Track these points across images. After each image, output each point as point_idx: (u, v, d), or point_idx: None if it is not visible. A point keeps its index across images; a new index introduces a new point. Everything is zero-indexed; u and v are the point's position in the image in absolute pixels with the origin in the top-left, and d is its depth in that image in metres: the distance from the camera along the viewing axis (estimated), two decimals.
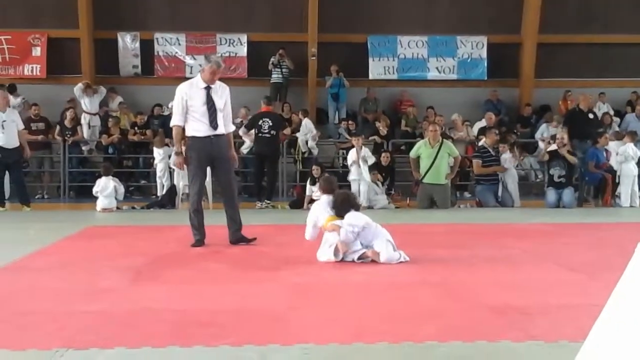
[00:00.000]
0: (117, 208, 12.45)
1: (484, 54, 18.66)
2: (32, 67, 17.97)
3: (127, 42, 18.24)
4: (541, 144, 15.67)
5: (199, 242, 7.30)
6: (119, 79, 18.32)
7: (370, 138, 15.75)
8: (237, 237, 7.39)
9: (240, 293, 4.86)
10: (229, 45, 18.32)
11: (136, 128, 16.70)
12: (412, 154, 13.28)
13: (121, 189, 12.49)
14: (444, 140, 13.22)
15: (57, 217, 11.34)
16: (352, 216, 6.25)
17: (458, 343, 3.48)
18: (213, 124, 7.28)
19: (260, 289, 5.02)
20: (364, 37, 18.41)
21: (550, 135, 15.32)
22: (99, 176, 12.62)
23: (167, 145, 14.49)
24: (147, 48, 18.18)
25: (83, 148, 16.76)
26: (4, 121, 12.09)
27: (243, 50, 18.30)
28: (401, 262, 6.05)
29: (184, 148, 7.57)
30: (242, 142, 14.83)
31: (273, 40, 17.89)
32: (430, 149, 12.91)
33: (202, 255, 6.66)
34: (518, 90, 19.03)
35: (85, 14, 17.65)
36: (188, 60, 18.34)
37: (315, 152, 16.01)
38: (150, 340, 3.51)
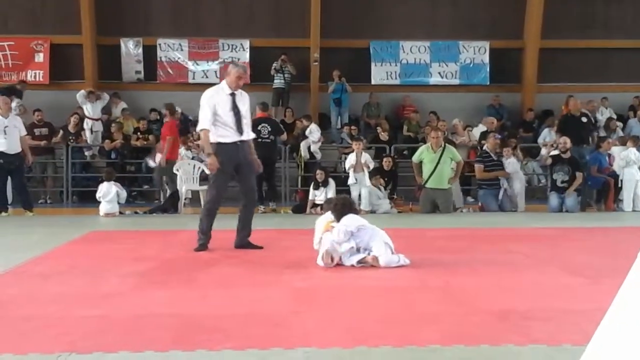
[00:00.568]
0: (120, 213, 12.46)
1: (486, 59, 18.68)
2: (35, 73, 18.02)
3: (130, 48, 18.29)
4: (544, 149, 15.69)
5: (203, 246, 7.31)
6: (122, 84, 18.37)
7: (369, 145, 15.73)
8: (244, 243, 7.40)
9: (242, 297, 4.86)
10: (232, 51, 18.35)
11: (139, 133, 16.74)
12: (415, 158, 13.29)
13: (123, 194, 12.50)
14: (447, 145, 13.24)
15: (60, 222, 11.34)
16: (347, 218, 6.30)
17: (461, 347, 3.47)
18: (239, 129, 7.35)
19: (263, 294, 5.02)
20: (366, 42, 18.44)
21: (552, 140, 15.33)
22: (102, 181, 12.63)
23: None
24: (149, 54, 18.23)
25: (86, 153, 16.81)
26: (6, 127, 12.10)
27: (245, 56, 18.32)
28: (401, 265, 6.04)
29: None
30: None
31: (275, 45, 17.93)
32: (433, 154, 12.92)
33: (205, 260, 6.66)
34: (520, 95, 19.05)
35: (88, 19, 17.71)
36: (190, 65, 18.38)
37: (318, 156, 16.02)
38: (153, 345, 3.52)
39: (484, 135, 15.52)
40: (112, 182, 12.40)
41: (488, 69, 18.67)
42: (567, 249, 7.70)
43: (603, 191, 13.79)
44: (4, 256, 6.97)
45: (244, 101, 7.45)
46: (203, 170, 13.70)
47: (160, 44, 18.27)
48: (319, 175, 12.97)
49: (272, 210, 13.37)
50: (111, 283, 5.41)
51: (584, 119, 14.57)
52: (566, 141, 13.23)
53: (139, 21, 18.32)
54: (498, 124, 16.56)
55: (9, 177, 12.50)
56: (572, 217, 12.10)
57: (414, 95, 18.56)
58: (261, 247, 7.32)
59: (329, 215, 6.60)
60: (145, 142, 16.40)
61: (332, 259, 6.07)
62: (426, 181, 12.91)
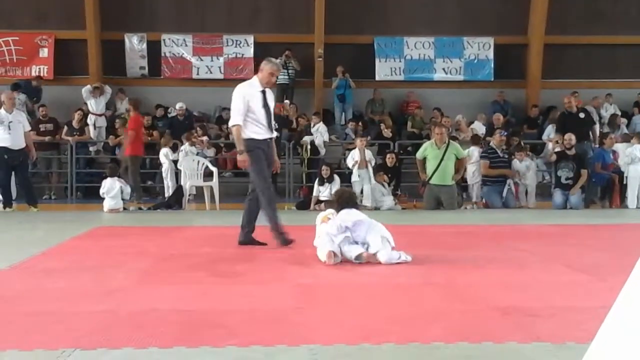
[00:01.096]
0: (124, 209, 12.48)
1: (490, 55, 18.66)
2: (40, 68, 18.04)
3: (134, 44, 18.29)
4: (548, 145, 15.66)
5: (284, 235, 7.17)
6: (126, 80, 18.39)
7: (372, 141, 15.74)
8: (248, 239, 7.37)
9: (246, 294, 4.86)
10: (236, 47, 18.35)
11: (143, 129, 16.73)
12: (419, 155, 13.29)
13: (127, 189, 12.52)
14: (451, 141, 13.23)
15: (64, 218, 11.37)
16: (345, 212, 6.31)
17: (464, 344, 3.47)
18: (270, 126, 7.34)
19: (267, 290, 5.02)
20: (370, 38, 18.43)
21: (556, 136, 15.31)
22: (106, 177, 12.65)
23: (173, 145, 14.61)
24: (154, 49, 18.24)
25: (90, 149, 16.82)
26: (11, 122, 12.11)
27: (249, 51, 18.33)
28: (401, 261, 5.99)
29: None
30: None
31: (279, 41, 17.93)
32: (437, 150, 12.91)
33: (209, 257, 6.66)
34: (525, 91, 19.02)
35: (93, 15, 17.71)
36: (195, 61, 18.39)
37: (322, 152, 16.03)
38: (157, 341, 3.52)
39: (490, 132, 15.51)
40: (116, 178, 12.42)
41: (492, 65, 18.65)
42: (572, 246, 7.69)
43: (607, 188, 13.78)
44: (8, 252, 7.00)
45: (271, 98, 7.43)
46: (207, 167, 13.74)
47: (164, 40, 18.27)
48: (324, 171, 12.98)
49: None
50: (115, 279, 5.42)
51: (582, 115, 14.54)
52: (571, 138, 13.20)
53: (144, 17, 18.33)
54: (503, 120, 16.53)
55: (13, 173, 12.51)
56: (576, 214, 12.09)
57: (418, 91, 18.55)
58: (265, 244, 7.30)
59: (328, 211, 6.62)
60: (149, 138, 16.41)
61: (334, 255, 6.06)
62: (430, 177, 12.90)
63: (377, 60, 18.49)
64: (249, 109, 7.17)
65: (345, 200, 6.53)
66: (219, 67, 18.39)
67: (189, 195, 13.75)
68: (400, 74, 18.63)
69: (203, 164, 13.80)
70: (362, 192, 12.74)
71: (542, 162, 16.25)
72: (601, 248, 7.51)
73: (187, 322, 3.95)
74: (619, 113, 17.94)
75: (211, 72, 18.40)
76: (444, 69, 18.69)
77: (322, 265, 6.05)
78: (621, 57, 18.84)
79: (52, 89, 17.68)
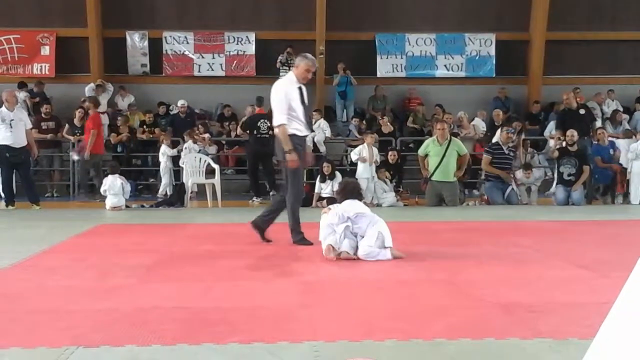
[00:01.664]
0: (126, 206, 12.49)
1: (492, 51, 18.65)
2: (41, 66, 18.05)
3: (136, 41, 18.30)
4: (550, 142, 15.65)
5: (305, 239, 7.10)
6: (128, 77, 18.40)
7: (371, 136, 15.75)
8: (260, 225, 7.30)
9: (249, 291, 4.87)
10: (237, 44, 18.35)
11: (145, 126, 16.76)
12: (421, 151, 13.28)
13: (128, 187, 12.53)
14: (453, 137, 13.22)
15: (67, 216, 11.37)
16: (348, 203, 6.33)
17: (466, 340, 3.47)
18: (308, 123, 7.36)
19: (270, 287, 5.02)
20: (372, 34, 18.42)
21: (556, 132, 15.31)
22: (107, 175, 12.66)
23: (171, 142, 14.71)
24: (155, 47, 18.25)
25: None
26: (12, 120, 12.10)
27: (251, 49, 18.33)
28: (380, 259, 5.97)
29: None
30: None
31: (281, 38, 17.93)
32: (439, 147, 12.90)
33: (211, 254, 6.66)
34: (526, 88, 19.01)
35: (94, 12, 17.72)
36: (196, 58, 18.39)
37: (323, 149, 16.03)
38: (160, 338, 3.52)
39: (495, 129, 15.50)
40: (117, 176, 12.42)
41: (494, 61, 18.64)
42: (574, 242, 7.69)
43: (610, 185, 13.78)
44: (11, 249, 7.00)
45: (307, 94, 7.41)
46: (209, 164, 13.75)
47: (165, 37, 18.27)
48: (326, 168, 12.98)
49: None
50: (118, 276, 5.42)
51: (582, 111, 14.53)
52: (573, 134, 13.19)
53: (145, 14, 18.33)
54: (504, 117, 16.52)
55: (16, 171, 12.51)
56: (578, 210, 12.08)
57: (419, 88, 18.55)
58: (270, 241, 7.30)
59: (332, 206, 6.63)
60: (151, 135, 16.42)
61: (333, 249, 6.07)
62: (432, 174, 12.90)
63: (378, 57, 18.48)
64: (290, 106, 7.12)
65: (350, 190, 6.53)
66: (221, 65, 18.39)
67: (191, 192, 13.76)
68: (401, 71, 18.63)
69: (205, 161, 13.81)
70: (366, 188, 12.74)
71: (544, 158, 16.24)
72: (603, 244, 7.51)
73: (189, 319, 3.95)
74: (621, 109, 17.92)
75: (213, 70, 18.41)
76: (445, 66, 18.68)
77: (325, 262, 6.06)
78: (623, 53, 18.83)
79: (54, 87, 17.69)
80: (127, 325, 3.85)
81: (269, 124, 13.63)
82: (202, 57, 18.39)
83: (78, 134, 16.00)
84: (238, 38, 18.36)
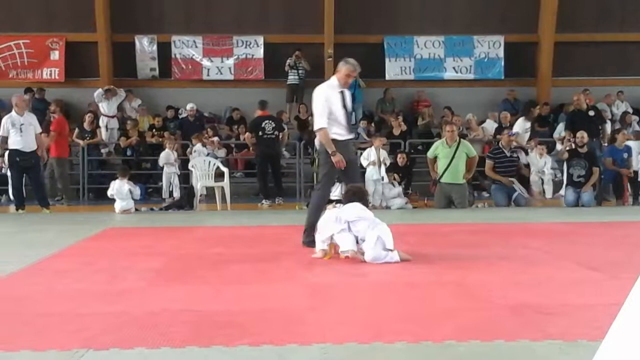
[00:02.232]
0: (136, 209, 12.51)
1: (500, 53, 18.63)
2: (51, 71, 18.14)
3: (145, 45, 18.36)
4: (559, 144, 15.61)
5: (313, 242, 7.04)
6: (137, 81, 18.46)
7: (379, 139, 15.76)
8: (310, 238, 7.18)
9: (258, 293, 4.87)
10: (245, 47, 18.40)
11: (154, 130, 16.80)
12: (430, 153, 13.26)
13: (137, 191, 12.54)
14: (462, 140, 13.20)
15: (76, 219, 11.40)
16: (349, 206, 6.34)
17: (476, 342, 3.46)
18: (350, 127, 7.37)
19: (279, 290, 5.02)
20: (380, 37, 18.43)
21: (565, 133, 15.28)
22: (116, 178, 12.67)
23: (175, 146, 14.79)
24: (164, 51, 18.31)
25: (102, 150, 16.87)
26: (22, 124, 12.15)
27: (259, 52, 18.37)
28: (388, 261, 5.97)
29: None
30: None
31: (289, 41, 17.96)
32: (448, 149, 12.88)
33: (220, 257, 6.67)
34: (535, 90, 18.96)
35: (103, 17, 17.79)
36: (205, 62, 18.45)
37: None
38: (169, 341, 3.53)
39: (498, 131, 15.48)
40: (125, 181, 12.39)
41: (503, 63, 18.63)
42: (584, 244, 7.66)
43: (619, 185, 13.71)
44: (21, 253, 7.02)
45: (349, 98, 7.43)
46: (218, 167, 13.77)
47: (174, 41, 18.34)
48: None
49: (278, 205, 13.61)
50: (127, 279, 5.44)
51: (592, 113, 14.48)
52: (583, 135, 13.14)
53: (153, 18, 18.40)
54: (511, 119, 16.49)
55: (26, 175, 12.55)
56: (588, 211, 12.03)
57: (428, 90, 18.55)
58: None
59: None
60: (160, 139, 16.46)
61: (325, 253, 6.16)
62: (441, 176, 12.88)
63: (387, 60, 18.49)
64: (331, 111, 7.16)
65: (352, 194, 6.53)
66: (229, 68, 18.44)
67: (200, 195, 13.79)
68: (410, 73, 18.62)
69: (214, 164, 13.83)
70: (374, 191, 12.73)
71: (553, 159, 16.19)
72: (613, 246, 7.47)
73: (198, 322, 3.96)
74: (631, 110, 17.86)
75: (221, 73, 18.46)
76: (454, 68, 18.67)
77: (335, 265, 6.05)
78: (632, 54, 18.77)
79: (63, 92, 17.77)
80: (137, 327, 3.86)
81: (273, 125, 13.75)
82: (211, 61, 18.45)
83: (88, 138, 16.07)
84: (246, 42, 18.40)
